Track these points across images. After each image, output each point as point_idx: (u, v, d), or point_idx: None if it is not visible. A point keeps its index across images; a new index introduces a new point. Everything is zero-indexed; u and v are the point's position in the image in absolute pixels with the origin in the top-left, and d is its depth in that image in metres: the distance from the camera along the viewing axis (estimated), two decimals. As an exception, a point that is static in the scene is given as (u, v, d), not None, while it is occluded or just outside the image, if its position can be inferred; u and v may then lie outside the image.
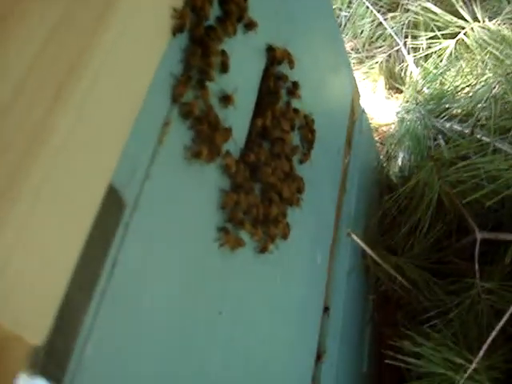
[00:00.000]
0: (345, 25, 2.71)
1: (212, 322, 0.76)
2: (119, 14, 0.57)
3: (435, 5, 2.25)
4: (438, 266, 1.62)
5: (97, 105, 0.54)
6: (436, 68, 1.95)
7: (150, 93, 0.62)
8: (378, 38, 2.62)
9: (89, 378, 0.53)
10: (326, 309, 1.30)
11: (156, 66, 0.64)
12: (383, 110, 2.39)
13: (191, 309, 0.72)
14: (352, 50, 2.71)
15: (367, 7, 2.63)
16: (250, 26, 0.87)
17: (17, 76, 0.48)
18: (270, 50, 0.97)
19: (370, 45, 2.66)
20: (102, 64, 0.54)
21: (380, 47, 2.60)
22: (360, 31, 2.67)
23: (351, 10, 2.68)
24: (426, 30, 2.24)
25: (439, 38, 2.11)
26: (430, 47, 2.16)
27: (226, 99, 0.79)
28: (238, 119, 0.83)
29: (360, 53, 2.65)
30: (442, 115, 1.79)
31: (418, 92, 1.92)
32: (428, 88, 1.91)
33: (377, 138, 2.29)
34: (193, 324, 0.72)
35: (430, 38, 2.17)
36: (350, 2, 2.75)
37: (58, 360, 0.50)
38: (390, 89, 2.48)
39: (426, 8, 2.26)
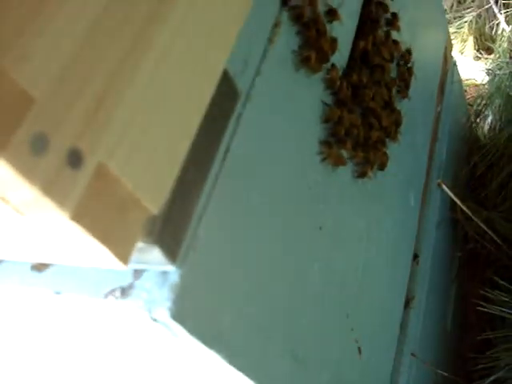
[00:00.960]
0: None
1: (312, 235, 0.75)
2: None
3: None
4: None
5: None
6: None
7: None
8: (467, -2, 2.54)
9: (200, 257, 0.53)
10: (416, 256, 1.27)
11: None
12: (473, 70, 2.32)
13: (293, 215, 0.71)
14: None
15: (457, -36, 2.55)
16: None
17: None
18: (372, -25, 0.94)
19: (458, 6, 2.58)
20: None
21: (469, 8, 2.52)
22: (449, -10, 2.59)
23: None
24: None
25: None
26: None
27: (331, 13, 0.77)
28: (342, 36, 0.81)
29: (448, 14, 2.57)
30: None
31: (510, 48, 1.85)
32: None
33: (466, 99, 2.23)
34: (294, 231, 0.71)
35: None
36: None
37: (174, 232, 0.50)
38: (479, 49, 2.40)
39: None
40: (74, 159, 0.40)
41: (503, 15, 2.18)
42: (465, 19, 2.38)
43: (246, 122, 0.59)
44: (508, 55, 1.81)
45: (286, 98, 0.68)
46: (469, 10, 2.50)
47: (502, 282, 1.38)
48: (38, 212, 0.40)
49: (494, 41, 2.27)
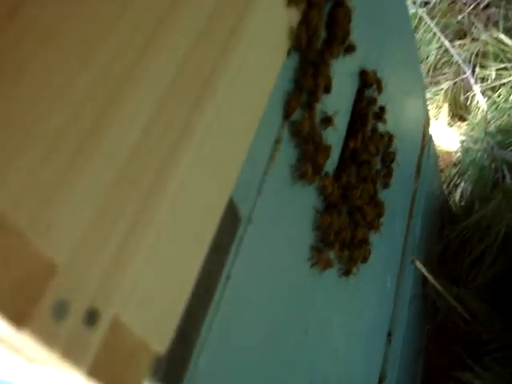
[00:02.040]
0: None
1: (299, 341, 0.76)
2: (244, 41, 0.58)
3: (506, 35, 2.23)
4: (501, 300, 1.60)
5: (223, 123, 0.55)
6: (506, 101, 1.93)
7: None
8: (443, 64, 2.61)
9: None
10: (389, 334, 1.29)
11: (273, 84, 0.65)
12: (445, 137, 2.37)
13: (285, 324, 0.72)
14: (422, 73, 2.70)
15: (434, 33, 2.62)
16: (350, 49, 0.87)
17: (161, 87, 0.48)
18: (363, 73, 0.97)
19: (434, 71, 2.65)
20: (230, 84, 0.55)
21: (445, 74, 2.58)
22: (426, 56, 2.65)
23: (418, 35, 2.67)
24: (495, 60, 2.22)
25: (509, 70, 2.09)
26: (498, 78, 2.14)
27: (327, 121, 0.79)
28: (334, 140, 0.83)
29: (425, 78, 2.63)
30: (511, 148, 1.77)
31: (486, 124, 1.90)
32: (496, 120, 1.89)
33: (439, 166, 2.28)
34: (284, 341, 0.72)
35: (500, 69, 2.15)
36: (416, 27, 2.74)
37: (177, 368, 0.51)
38: (453, 116, 2.46)
39: (496, 38, 2.24)
40: (91, 318, 0.40)
41: (479, 87, 2.24)
42: (441, 86, 2.44)
43: (246, 245, 0.60)
44: (483, 131, 1.86)
45: (282, 211, 0.70)
46: (445, 77, 2.56)
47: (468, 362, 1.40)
48: (52, 366, 0.40)
49: (468, 111, 2.32)
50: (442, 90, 2.41)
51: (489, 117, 1.97)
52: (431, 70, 2.62)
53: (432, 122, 2.43)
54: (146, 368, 0.46)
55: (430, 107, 2.45)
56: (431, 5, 2.88)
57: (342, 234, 0.84)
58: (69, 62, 0.38)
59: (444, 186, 2.05)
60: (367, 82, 0.98)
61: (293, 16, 0.70)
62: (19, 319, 0.35)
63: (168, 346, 0.49)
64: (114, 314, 0.42)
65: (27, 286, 0.36)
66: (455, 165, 2.14)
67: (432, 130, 1.79)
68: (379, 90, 1.03)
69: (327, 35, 0.80)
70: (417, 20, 2.71)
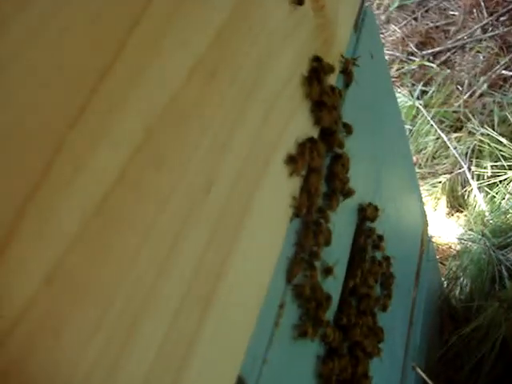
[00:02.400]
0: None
1: None
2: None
3: (500, 133, 2.31)
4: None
5: (234, 304, 0.60)
6: (503, 199, 1.99)
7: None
8: (440, 155, 2.68)
9: None
10: None
11: (278, 255, 0.70)
12: (444, 228, 2.43)
13: None
14: (414, 164, 2.77)
15: (431, 125, 2.71)
16: (349, 194, 0.93)
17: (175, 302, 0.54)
18: (362, 209, 1.02)
19: (432, 161, 2.72)
20: (241, 264, 0.61)
21: (443, 165, 2.65)
22: (423, 147, 2.73)
23: (415, 126, 2.75)
24: (490, 157, 2.30)
25: (505, 168, 2.16)
26: (494, 176, 2.21)
27: (327, 271, 0.84)
28: (333, 284, 0.88)
29: (422, 168, 2.71)
30: (508, 248, 1.82)
31: (483, 223, 1.96)
32: (493, 220, 1.95)
33: (438, 257, 2.32)
34: None
35: (495, 167, 2.22)
36: (414, 117, 2.83)
37: None
38: (451, 207, 2.52)
39: (491, 136, 2.32)
40: None
41: (475, 182, 2.31)
42: (439, 179, 2.51)
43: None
44: (480, 231, 1.91)
45: (286, 369, 0.74)
46: (443, 167, 2.63)
47: None
48: None
49: (466, 204, 2.39)
50: (439, 182, 2.48)
51: (486, 215, 2.03)
52: (429, 160, 2.70)
53: (430, 213, 2.49)
54: None
55: (428, 198, 2.51)
56: (428, 94, 2.97)
57: (343, 375, 0.88)
58: (96, 308, 0.43)
59: (444, 279, 2.09)
60: (366, 217, 1.03)
61: (295, 183, 0.76)
62: None
63: None
64: None
65: None
66: (455, 258, 2.18)
67: (431, 223, 1.84)
68: (376, 218, 1.09)
69: (327, 189, 0.86)
70: (414, 111, 2.79)
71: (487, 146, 2.29)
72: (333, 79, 0.89)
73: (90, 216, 0.43)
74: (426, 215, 1.73)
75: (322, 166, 0.81)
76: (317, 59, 0.82)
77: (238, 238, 0.62)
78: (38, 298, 0.38)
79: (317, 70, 0.81)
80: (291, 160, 0.73)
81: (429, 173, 2.68)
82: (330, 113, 0.83)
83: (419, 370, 1.52)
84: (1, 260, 0.36)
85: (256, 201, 0.65)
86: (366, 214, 1.03)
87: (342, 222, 0.95)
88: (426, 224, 1.70)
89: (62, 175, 0.41)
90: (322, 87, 0.82)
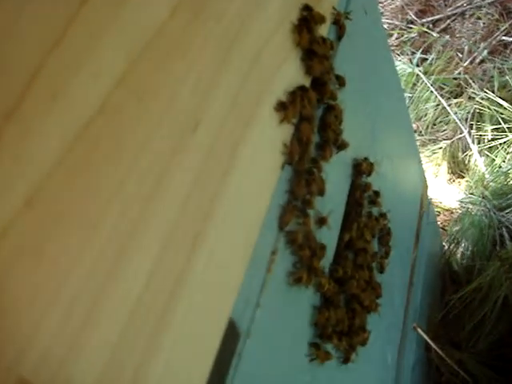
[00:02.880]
0: (408, 106, 2.77)
1: None
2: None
3: (500, 97, 2.29)
4: (502, 364, 1.62)
5: (221, 250, 0.60)
6: (503, 161, 1.99)
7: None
8: (441, 121, 2.67)
9: None
10: (392, 405, 1.32)
11: (268, 202, 0.70)
12: (445, 194, 2.42)
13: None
14: (415, 131, 2.76)
15: (431, 91, 2.69)
16: (342, 146, 0.92)
17: (163, 233, 0.53)
18: (357, 164, 1.02)
19: (432, 128, 2.71)
20: (228, 210, 0.61)
21: (443, 131, 2.64)
22: (423, 114, 2.72)
23: (415, 93, 2.74)
24: (491, 121, 2.28)
25: (505, 131, 2.15)
26: (495, 139, 2.20)
27: (321, 221, 0.84)
28: (328, 235, 0.88)
29: (423, 135, 2.70)
30: (509, 210, 1.81)
31: (484, 186, 1.95)
32: (494, 182, 1.94)
33: (439, 223, 2.32)
34: None
35: (495, 130, 2.21)
36: (414, 85, 2.81)
37: None
38: (452, 173, 2.51)
39: (491, 99, 2.30)
40: None
41: (476, 146, 2.30)
42: (440, 145, 2.49)
43: (246, 358, 0.64)
44: (481, 194, 1.90)
45: (280, 315, 0.74)
46: (443, 134, 2.62)
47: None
48: None
49: (467, 169, 2.38)
50: (440, 148, 2.47)
51: (487, 177, 2.02)
52: (429, 127, 2.68)
53: (431, 179, 2.48)
54: None
55: (429, 165, 2.50)
56: (428, 61, 2.95)
57: (339, 326, 0.88)
58: (80, 233, 0.43)
59: (446, 244, 2.09)
60: (361, 171, 1.03)
61: (286, 130, 0.75)
62: None
63: None
64: None
65: None
66: (456, 222, 2.18)
67: (432, 188, 1.84)
68: (372, 173, 1.08)
69: (320, 139, 0.85)
70: (414, 78, 2.77)
71: (487, 110, 2.27)
72: (324, 30, 0.88)
73: (71, 143, 0.43)
74: (425, 178, 1.72)
75: (313, 115, 0.80)
76: (307, 8, 0.81)
77: (226, 179, 0.61)
78: (17, 221, 0.38)
79: (306, 19, 0.81)
80: (281, 106, 0.73)
81: (429, 140, 2.67)
82: (320, 62, 0.82)
83: (420, 331, 1.52)
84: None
85: (245, 144, 0.65)
86: (361, 168, 1.02)
87: (336, 176, 0.94)
88: (425, 186, 1.70)
89: (39, 100, 0.40)
90: (313, 36, 0.81)
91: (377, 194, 1.10)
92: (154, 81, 0.52)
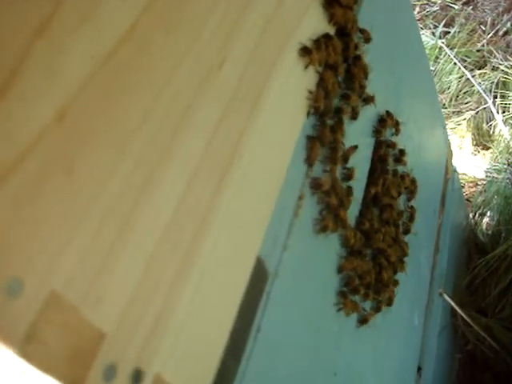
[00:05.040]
0: (431, 79, 2.74)
1: (328, 383, 0.80)
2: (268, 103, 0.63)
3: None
4: (529, 330, 1.62)
5: (249, 186, 0.60)
6: (528, 129, 1.96)
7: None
8: (465, 94, 2.65)
9: None
10: (419, 369, 1.32)
11: (294, 144, 0.70)
12: (470, 166, 2.40)
13: (313, 368, 0.76)
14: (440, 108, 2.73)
15: (454, 63, 2.66)
16: (368, 100, 0.92)
17: (191, 165, 0.54)
18: (382, 119, 1.01)
19: (456, 100, 2.69)
20: (255, 150, 0.61)
21: (467, 103, 2.62)
22: (447, 86, 2.69)
23: (438, 66, 2.71)
24: (516, 90, 2.26)
25: (530, 99, 2.12)
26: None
27: (348, 175, 0.83)
28: (355, 187, 0.88)
29: (447, 108, 2.67)
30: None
31: (509, 153, 1.93)
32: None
33: (464, 195, 2.30)
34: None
35: (521, 98, 2.19)
36: (436, 58, 2.78)
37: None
38: (476, 145, 2.49)
39: (516, 68, 2.28)
40: (137, 377, 0.45)
41: (501, 116, 2.27)
42: (463, 116, 2.47)
43: (274, 299, 0.64)
44: (506, 161, 1.88)
45: (307, 261, 0.74)
46: (467, 106, 2.60)
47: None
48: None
49: (491, 139, 2.35)
50: (464, 119, 2.45)
51: (511, 147, 2.00)
52: (453, 99, 2.66)
53: (456, 151, 2.46)
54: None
55: (453, 137, 2.49)
56: (451, 34, 2.92)
57: (366, 278, 0.88)
58: (108, 155, 0.43)
59: (471, 215, 2.08)
60: (385, 126, 1.02)
61: (311, 78, 0.75)
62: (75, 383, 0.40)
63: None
64: (157, 373, 0.47)
65: (81, 354, 0.41)
66: (481, 193, 2.16)
67: (456, 160, 1.82)
68: (397, 133, 1.08)
69: (345, 90, 0.85)
70: (437, 51, 2.75)
71: (511, 78, 2.24)
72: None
73: (101, 64, 0.43)
74: (450, 145, 1.71)
75: (338, 64, 0.80)
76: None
77: (252, 119, 0.61)
78: (48, 134, 0.39)
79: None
80: (306, 52, 0.73)
81: (453, 112, 2.65)
82: (343, 10, 0.82)
83: (446, 296, 1.52)
84: (8, 94, 0.37)
85: (270, 86, 0.65)
86: (386, 123, 1.02)
87: (362, 131, 0.94)
88: (450, 153, 1.69)
89: (68, 21, 0.41)
90: (336, -14, 0.81)
91: (402, 152, 1.09)
92: (181, 15, 0.52)
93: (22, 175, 0.37)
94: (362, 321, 0.91)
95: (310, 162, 0.73)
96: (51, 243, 0.39)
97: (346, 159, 0.82)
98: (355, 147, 0.84)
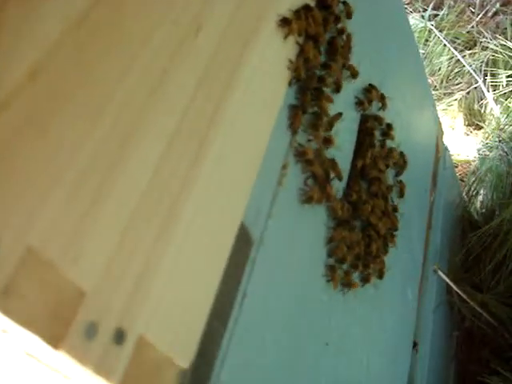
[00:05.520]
0: (421, 62, 2.74)
1: (319, 353, 0.81)
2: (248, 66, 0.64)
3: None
4: (525, 304, 1.62)
5: (231, 154, 0.60)
6: (518, 106, 1.97)
7: (269, 139, 0.68)
8: (455, 75, 2.65)
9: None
10: (415, 344, 1.32)
11: (277, 112, 0.70)
12: (463, 146, 2.41)
13: (303, 337, 0.77)
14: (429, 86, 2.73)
15: (444, 45, 2.66)
16: (352, 73, 0.92)
17: (169, 128, 0.54)
18: (366, 91, 1.02)
19: (447, 82, 2.69)
20: (235, 117, 0.61)
21: (458, 84, 2.62)
22: (437, 68, 2.69)
23: (428, 48, 2.71)
24: (505, 68, 2.26)
25: (520, 76, 2.13)
26: (509, 85, 2.17)
27: (326, 141, 0.83)
28: (341, 160, 0.88)
29: (438, 90, 2.67)
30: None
31: (500, 129, 1.93)
32: (510, 125, 1.92)
33: (457, 175, 2.30)
34: (304, 353, 0.77)
35: (510, 76, 2.19)
36: (426, 40, 2.78)
37: (201, 382, 0.55)
38: (468, 125, 2.50)
39: (505, 46, 2.28)
40: (119, 337, 0.45)
41: (491, 94, 2.28)
42: (454, 97, 2.48)
43: (259, 265, 0.65)
44: (497, 138, 1.89)
45: (293, 230, 0.75)
46: (458, 87, 2.60)
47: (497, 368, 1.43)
48: (87, 381, 0.46)
49: (483, 119, 2.36)
50: (455, 100, 2.45)
51: (502, 121, 2.00)
52: (444, 81, 2.66)
53: (448, 132, 2.47)
54: (171, 381, 0.51)
55: (445, 118, 2.49)
56: (440, 17, 2.92)
57: (355, 249, 0.89)
58: (84, 116, 0.44)
59: (464, 195, 2.08)
60: (371, 101, 1.03)
61: (291, 49, 0.75)
62: (55, 340, 0.40)
63: (192, 361, 0.54)
64: (140, 333, 0.47)
65: (60, 311, 0.41)
66: (474, 173, 2.16)
67: (448, 141, 1.83)
68: (384, 107, 1.08)
69: (327, 60, 0.85)
70: (426, 33, 2.75)
71: (501, 56, 2.25)
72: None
73: (72, 27, 0.43)
74: (440, 124, 1.71)
75: (319, 34, 0.80)
76: None
77: (231, 87, 0.61)
78: (21, 92, 0.39)
79: None
80: (285, 22, 0.73)
81: (444, 94, 2.65)
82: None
83: (441, 273, 1.52)
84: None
85: (249, 55, 0.65)
86: (371, 95, 1.02)
87: (347, 105, 0.94)
88: (440, 131, 1.69)
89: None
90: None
91: (389, 126, 1.09)
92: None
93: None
94: (346, 284, 0.89)
95: (293, 128, 0.73)
96: (26, 200, 0.39)
97: (330, 126, 0.82)
98: (340, 114, 0.84)
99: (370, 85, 1.01)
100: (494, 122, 2.15)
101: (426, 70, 2.70)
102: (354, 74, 0.93)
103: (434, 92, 2.65)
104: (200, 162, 0.56)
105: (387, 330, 1.11)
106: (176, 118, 0.54)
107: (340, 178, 0.84)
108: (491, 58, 2.38)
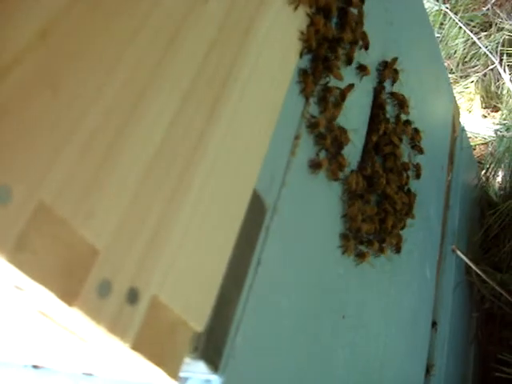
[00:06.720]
0: (437, 46, 2.71)
1: (336, 325, 0.81)
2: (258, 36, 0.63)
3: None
4: (545, 283, 1.60)
5: (243, 119, 0.60)
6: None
7: (282, 109, 0.68)
8: (471, 57, 2.62)
9: (238, 363, 0.58)
10: (434, 323, 1.32)
11: (289, 80, 0.70)
12: (480, 128, 2.39)
13: (319, 309, 0.76)
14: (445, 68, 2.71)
15: (460, 27, 2.64)
16: (365, 46, 0.92)
17: (182, 89, 0.54)
18: (380, 69, 1.01)
19: (463, 64, 2.66)
20: (248, 84, 0.61)
21: (474, 66, 2.60)
22: (453, 51, 2.67)
23: (443, 31, 2.69)
24: (521, 48, 2.24)
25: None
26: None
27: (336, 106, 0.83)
28: (355, 134, 0.88)
29: (454, 73, 2.65)
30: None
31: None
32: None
33: (476, 157, 2.29)
34: (320, 324, 0.77)
35: (527, 56, 2.16)
36: (441, 24, 2.76)
37: (216, 345, 0.56)
38: (486, 107, 2.47)
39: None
40: (132, 297, 0.46)
41: (508, 75, 2.25)
42: (471, 79, 2.45)
43: (274, 233, 0.65)
44: (514, 117, 1.87)
45: (308, 201, 0.75)
46: (474, 69, 2.57)
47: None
48: (102, 341, 0.46)
49: (500, 100, 2.34)
50: (472, 82, 2.43)
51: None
52: (460, 63, 2.64)
53: (465, 114, 2.45)
54: (186, 343, 0.51)
55: (462, 101, 2.47)
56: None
57: (370, 223, 0.88)
58: (95, 74, 0.44)
59: (483, 176, 2.06)
60: (384, 76, 1.02)
61: (302, 21, 0.75)
62: (69, 297, 0.40)
63: (207, 324, 0.54)
64: (153, 294, 0.47)
65: (74, 268, 0.41)
66: (492, 154, 2.15)
67: (466, 123, 1.81)
68: (395, 82, 1.07)
69: (338, 33, 0.85)
70: (441, 16, 2.72)
71: (517, 36, 2.23)
72: None
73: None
74: (456, 103, 1.70)
75: (330, 6, 0.79)
76: None
77: (243, 51, 0.61)
78: (32, 50, 0.39)
79: None
80: (294, -8, 0.73)
81: (461, 76, 2.62)
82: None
83: (459, 253, 1.51)
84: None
85: (260, 21, 0.65)
86: (385, 73, 1.01)
87: (359, 80, 0.94)
88: (456, 111, 1.68)
89: None
90: None
91: (404, 101, 1.09)
92: None
93: (8, 87, 0.38)
94: (360, 255, 0.89)
95: (305, 93, 0.74)
96: (39, 155, 0.39)
97: (343, 98, 0.81)
98: (352, 85, 0.84)
99: (383, 61, 1.01)
100: (511, 102, 2.13)
101: (442, 53, 2.67)
102: (366, 44, 0.92)
103: (450, 75, 2.63)
104: (212, 125, 0.56)
105: (405, 307, 1.10)
106: (189, 77, 0.54)
107: (346, 143, 0.83)
108: (507, 38, 2.35)
